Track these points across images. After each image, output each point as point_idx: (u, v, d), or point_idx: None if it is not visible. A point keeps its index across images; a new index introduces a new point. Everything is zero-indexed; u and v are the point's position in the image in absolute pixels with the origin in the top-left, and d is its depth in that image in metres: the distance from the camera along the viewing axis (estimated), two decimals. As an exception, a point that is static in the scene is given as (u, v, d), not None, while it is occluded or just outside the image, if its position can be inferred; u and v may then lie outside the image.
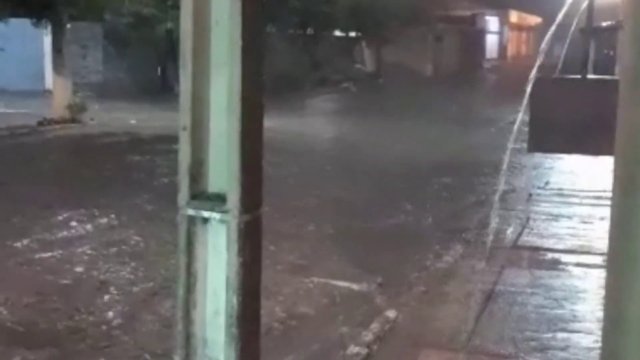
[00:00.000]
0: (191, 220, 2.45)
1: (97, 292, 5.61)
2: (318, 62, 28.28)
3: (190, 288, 2.51)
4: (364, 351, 4.61)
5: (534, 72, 3.96)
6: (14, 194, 8.95)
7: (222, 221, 2.37)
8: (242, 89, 2.28)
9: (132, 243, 6.92)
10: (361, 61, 33.99)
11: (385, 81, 30.02)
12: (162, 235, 6.87)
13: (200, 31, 2.36)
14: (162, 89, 20.81)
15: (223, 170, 2.37)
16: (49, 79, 17.58)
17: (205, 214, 2.40)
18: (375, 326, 4.99)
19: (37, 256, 6.48)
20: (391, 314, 5.22)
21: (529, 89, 4.17)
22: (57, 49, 15.96)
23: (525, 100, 4.40)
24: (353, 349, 4.63)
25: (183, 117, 2.42)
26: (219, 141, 2.38)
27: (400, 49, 32.32)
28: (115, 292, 5.64)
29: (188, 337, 2.53)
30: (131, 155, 11.90)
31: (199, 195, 2.43)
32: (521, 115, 4.85)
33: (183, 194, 2.45)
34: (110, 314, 5.22)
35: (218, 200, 2.38)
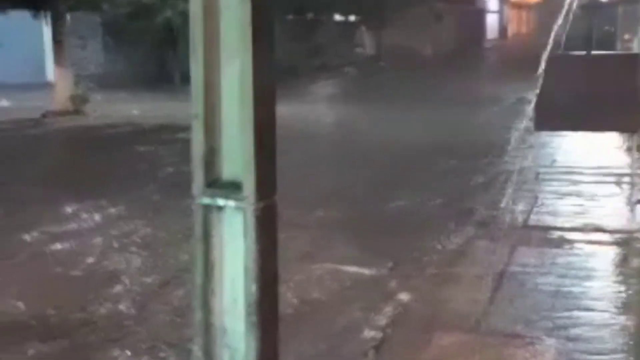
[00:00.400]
0: (206, 208, 2.43)
1: (108, 283, 5.61)
2: (318, 47, 28.19)
3: (207, 277, 2.50)
4: (379, 335, 4.61)
5: (547, 51, 3.93)
6: (21, 187, 8.96)
7: (237, 209, 2.35)
8: (254, 75, 2.26)
9: (141, 233, 6.90)
10: (361, 45, 33.89)
11: (386, 64, 29.93)
12: (171, 224, 6.86)
13: (210, 16, 2.33)
14: (163, 79, 20.77)
15: (237, 158, 2.35)
16: (50, 71, 17.55)
17: (221, 202, 2.39)
18: (388, 310, 4.98)
19: (47, 248, 6.49)
20: (404, 297, 5.21)
21: (541, 68, 4.15)
22: (57, 40, 15.92)
23: (540, 79, 4.38)
24: (368, 333, 4.63)
25: (195, 105, 2.39)
26: (232, 128, 2.36)
27: (400, 30, 32.21)
28: (126, 282, 5.63)
29: (207, 326, 2.53)
30: (135, 146, 11.88)
31: (214, 184, 2.41)
32: (527, 94, 4.82)
33: (197, 183, 2.43)
34: (122, 305, 5.21)
35: (233, 187, 2.37)
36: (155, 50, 21.75)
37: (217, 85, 2.37)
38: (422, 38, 34.54)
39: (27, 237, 6.78)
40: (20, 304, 5.21)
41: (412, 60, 29.97)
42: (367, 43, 33.93)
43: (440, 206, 7.88)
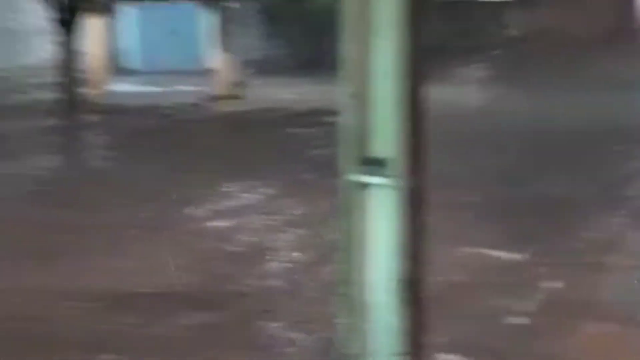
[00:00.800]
0: (356, 186, 2.49)
1: (262, 259, 5.87)
2: (467, 29, 27.58)
3: (354, 253, 2.56)
4: (524, 321, 4.57)
5: None
6: (182, 167, 9.46)
7: (387, 186, 2.40)
8: (407, 53, 2.29)
9: (294, 212, 7.16)
10: (511, 26, 32.87)
11: (537, 46, 28.83)
12: (323, 203, 7.05)
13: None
14: (318, 64, 21.10)
15: (388, 136, 2.39)
16: (209, 57, 18.30)
17: (371, 179, 2.44)
18: (534, 296, 4.92)
19: (207, 224, 6.86)
20: (550, 284, 5.13)
21: None
22: (221, 27, 16.61)
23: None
24: (512, 320, 4.60)
25: (346, 84, 2.45)
26: (383, 107, 2.40)
27: (552, 11, 30.94)
28: (279, 258, 5.87)
29: (353, 301, 2.58)
30: (288, 129, 12.24)
31: (364, 161, 2.47)
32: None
33: (347, 160, 2.50)
34: (275, 279, 5.45)
35: (383, 165, 2.40)
36: (311, 35, 22.12)
37: (369, 63, 2.41)
38: (576, 19, 33.04)
39: (188, 213, 7.20)
40: (181, 276, 5.54)
41: (565, 42, 28.73)
42: (516, 24, 32.86)
43: (594, 193, 7.61)
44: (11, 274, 5.49)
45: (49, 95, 15.28)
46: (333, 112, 2.50)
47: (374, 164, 2.44)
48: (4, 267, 5.65)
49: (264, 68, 19.94)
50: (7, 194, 8.12)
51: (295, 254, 5.94)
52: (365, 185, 2.47)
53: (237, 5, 17.53)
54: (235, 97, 16.17)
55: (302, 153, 10.00)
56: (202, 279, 5.49)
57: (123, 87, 18.31)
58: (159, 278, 5.47)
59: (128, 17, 21.57)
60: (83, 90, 15.78)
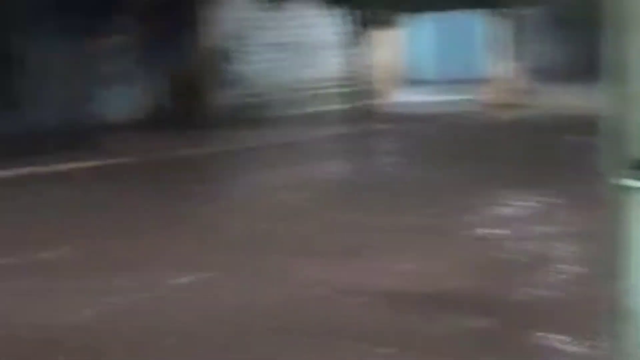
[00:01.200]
0: (622, 190, 2.41)
1: (536, 268, 5.80)
2: None
3: (622, 259, 2.50)
4: None
5: None
6: (463, 173, 9.63)
7: None
8: None
9: (570, 221, 7.04)
10: None
11: None
12: (600, 214, 6.78)
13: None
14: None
15: None
16: (495, 65, 18.27)
17: (638, 183, 2.37)
18: None
19: (484, 231, 6.95)
20: None
21: None
22: (509, 35, 16.54)
23: None
24: None
25: (610, 84, 2.37)
26: None
27: None
28: (553, 268, 5.76)
29: (621, 309, 2.50)
30: (570, 136, 11.86)
31: (630, 164, 2.37)
32: None
33: (610, 162, 2.42)
34: (547, 289, 5.35)
35: None
36: (596, 39, 21.13)
37: (635, 61, 2.32)
38: None
39: (467, 220, 7.35)
40: (457, 280, 5.62)
41: None
42: None
43: None
44: (300, 270, 5.93)
45: (338, 105, 16.22)
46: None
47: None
48: (294, 263, 6.13)
49: (552, 74, 19.41)
50: (299, 197, 8.79)
51: (569, 265, 5.78)
52: (632, 189, 2.40)
53: (528, 12, 17.30)
54: (518, 104, 16.00)
55: (582, 161, 9.61)
56: (477, 284, 5.53)
57: (410, 96, 18.90)
58: (437, 281, 5.61)
59: (418, 29, 22.18)
60: (371, 100, 16.54)
